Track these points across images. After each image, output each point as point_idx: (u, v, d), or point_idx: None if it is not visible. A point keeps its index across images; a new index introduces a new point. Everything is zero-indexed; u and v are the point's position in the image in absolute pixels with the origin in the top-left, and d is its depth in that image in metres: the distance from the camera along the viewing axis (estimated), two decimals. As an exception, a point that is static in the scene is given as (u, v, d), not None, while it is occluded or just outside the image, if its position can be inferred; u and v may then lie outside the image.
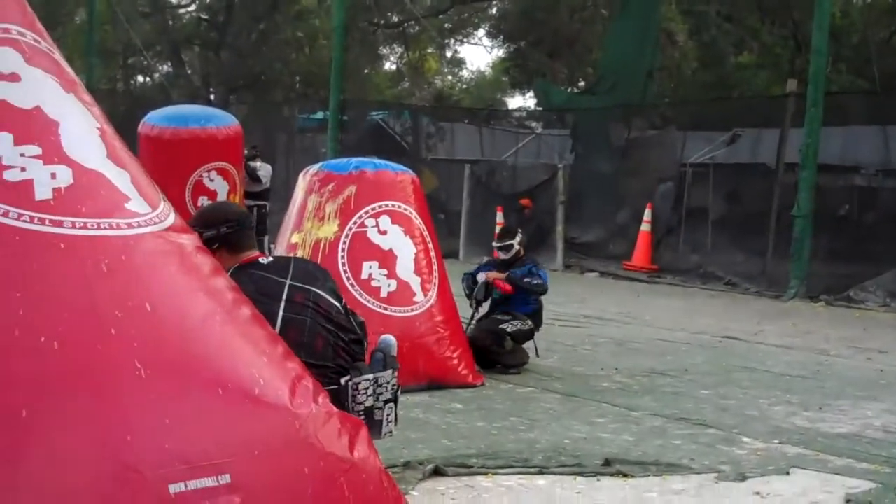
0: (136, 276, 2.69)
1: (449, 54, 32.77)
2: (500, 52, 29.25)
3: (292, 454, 2.66)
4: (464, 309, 7.35)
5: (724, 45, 19.42)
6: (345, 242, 6.56)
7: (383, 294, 6.48)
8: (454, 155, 19.63)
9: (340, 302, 3.74)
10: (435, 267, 6.79)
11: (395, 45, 30.25)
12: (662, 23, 19.02)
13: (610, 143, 16.91)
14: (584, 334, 9.03)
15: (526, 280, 7.25)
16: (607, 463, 4.72)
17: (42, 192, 2.65)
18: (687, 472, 4.68)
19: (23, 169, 2.66)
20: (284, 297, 3.56)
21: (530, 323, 7.30)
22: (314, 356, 3.42)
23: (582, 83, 24.78)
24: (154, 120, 9.52)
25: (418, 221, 6.82)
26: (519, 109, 27.92)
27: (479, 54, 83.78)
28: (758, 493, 4.40)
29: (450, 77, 35.40)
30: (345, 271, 6.45)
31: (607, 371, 7.32)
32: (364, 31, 26.09)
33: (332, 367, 3.54)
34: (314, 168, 7.08)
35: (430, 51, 31.09)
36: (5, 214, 2.59)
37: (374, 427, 3.46)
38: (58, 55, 2.98)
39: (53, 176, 2.69)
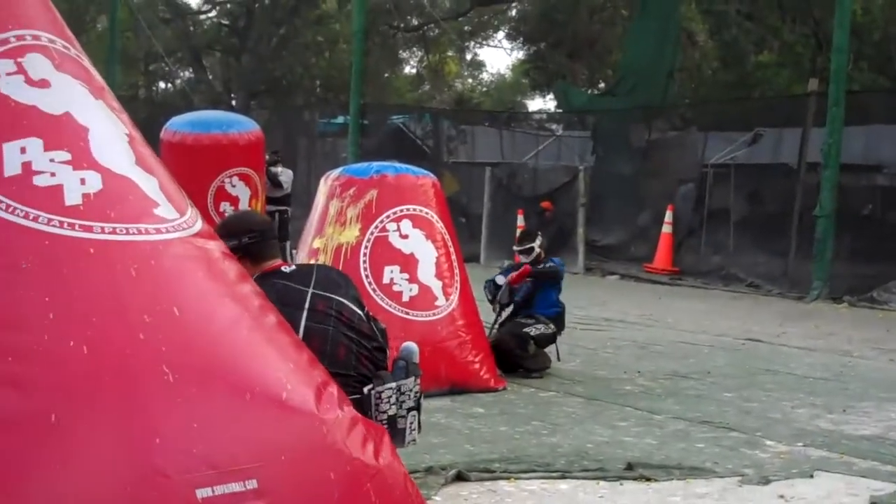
0: (165, 281, 2.70)
1: (469, 57, 32.83)
2: (519, 55, 29.29)
3: (319, 459, 2.65)
4: (485, 313, 7.35)
5: (745, 45, 19.31)
6: (366, 247, 6.57)
7: (405, 298, 6.49)
8: (475, 158, 19.62)
9: (363, 309, 3.73)
10: (456, 271, 6.79)
11: (415, 49, 30.31)
12: (682, 23, 18.95)
13: (630, 145, 16.87)
14: (606, 337, 9.02)
15: (539, 266, 7.28)
16: (630, 467, 4.72)
17: (72, 198, 2.66)
18: (710, 476, 4.67)
19: (52, 174, 2.67)
20: (307, 305, 3.56)
21: (553, 326, 7.30)
22: (337, 365, 3.38)
23: (602, 84, 24.73)
24: (176, 126, 9.58)
25: (440, 225, 6.83)
26: (539, 111, 27.90)
27: (498, 57, 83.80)
28: (782, 497, 4.39)
29: (470, 80, 35.43)
30: (366, 276, 6.46)
31: (629, 374, 7.31)
32: (384, 34, 26.18)
33: (355, 375, 3.53)
34: (335, 173, 7.09)
35: (449, 54, 31.12)
36: (35, 219, 2.61)
37: (398, 435, 3.45)
38: (87, 62, 2.99)
39: (83, 181, 2.70)
